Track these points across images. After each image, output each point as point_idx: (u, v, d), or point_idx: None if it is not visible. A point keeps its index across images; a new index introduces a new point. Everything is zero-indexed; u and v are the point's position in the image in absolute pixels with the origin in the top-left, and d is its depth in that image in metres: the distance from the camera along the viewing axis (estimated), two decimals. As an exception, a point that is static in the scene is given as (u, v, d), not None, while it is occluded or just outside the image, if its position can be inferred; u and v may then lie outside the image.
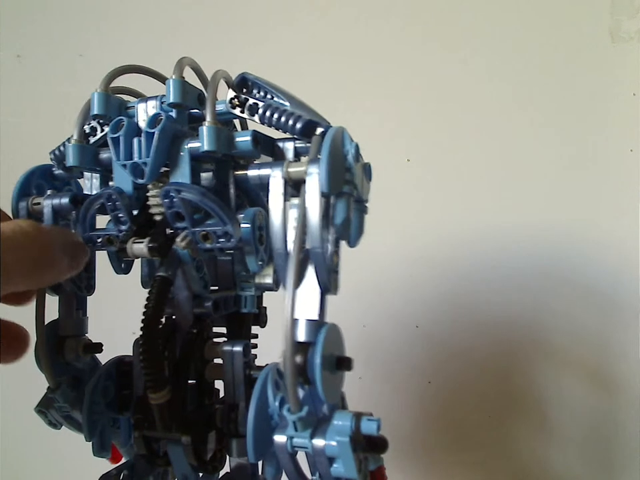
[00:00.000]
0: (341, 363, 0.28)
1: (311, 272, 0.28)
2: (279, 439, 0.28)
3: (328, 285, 0.28)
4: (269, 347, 0.38)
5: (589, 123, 0.69)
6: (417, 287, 0.72)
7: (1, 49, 0.83)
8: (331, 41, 0.76)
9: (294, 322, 0.27)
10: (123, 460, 0.39)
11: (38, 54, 0.84)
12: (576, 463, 0.67)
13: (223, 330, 0.37)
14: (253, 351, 0.35)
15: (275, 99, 0.30)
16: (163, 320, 0.33)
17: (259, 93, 0.30)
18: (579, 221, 0.68)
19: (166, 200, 0.29)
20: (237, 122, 0.35)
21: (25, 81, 0.84)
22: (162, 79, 0.33)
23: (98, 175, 0.35)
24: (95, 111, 0.30)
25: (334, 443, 0.26)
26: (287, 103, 0.29)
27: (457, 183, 0.72)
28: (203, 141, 0.29)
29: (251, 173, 0.30)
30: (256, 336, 0.38)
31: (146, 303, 0.29)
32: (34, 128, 0.80)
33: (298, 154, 0.30)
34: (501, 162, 0.71)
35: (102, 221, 0.33)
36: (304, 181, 0.27)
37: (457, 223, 0.71)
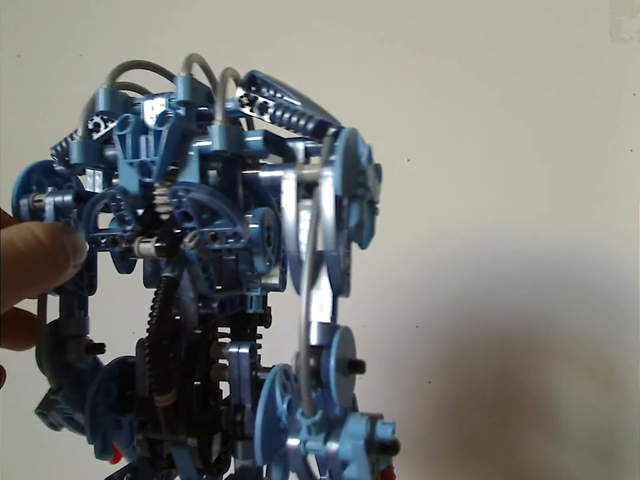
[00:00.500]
0: (354, 366, 0.28)
1: (323, 274, 0.28)
2: (292, 442, 0.27)
3: (341, 288, 0.28)
4: (274, 347, 0.38)
5: (589, 123, 0.69)
6: (417, 287, 0.72)
7: (1, 48, 0.83)
8: (330, 41, 0.76)
9: (308, 325, 0.27)
10: (123, 460, 0.38)
11: (38, 54, 0.83)
12: (577, 463, 0.68)
13: (228, 330, 0.36)
14: (257, 351, 0.34)
15: (285, 97, 0.29)
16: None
17: (268, 91, 0.30)
18: (579, 221, 0.68)
19: (174, 200, 0.29)
20: (242, 119, 0.35)
21: (25, 81, 0.83)
22: (168, 76, 0.33)
23: (101, 171, 0.34)
24: (101, 107, 0.29)
25: (348, 447, 0.26)
26: (297, 102, 0.29)
27: (457, 182, 0.72)
28: (214, 140, 0.28)
29: (263, 174, 0.29)
30: (260, 336, 0.38)
31: (152, 304, 0.29)
32: (34, 128, 0.79)
33: (308, 154, 0.30)
34: (501, 162, 0.71)
35: (103, 218, 0.33)
36: (317, 183, 0.27)
37: (457, 222, 0.71)
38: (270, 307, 0.39)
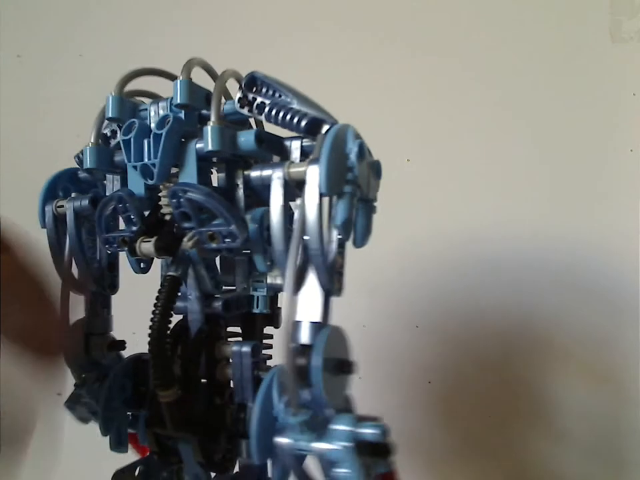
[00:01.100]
0: (342, 366, 0.28)
1: (312, 273, 0.28)
2: (282, 441, 0.27)
3: (329, 287, 0.28)
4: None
5: (589, 123, 0.69)
6: (417, 287, 0.72)
7: (1, 48, 0.83)
8: (330, 41, 0.76)
9: (294, 324, 0.27)
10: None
11: (38, 54, 0.84)
12: (577, 463, 0.68)
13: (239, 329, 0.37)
14: (268, 352, 0.35)
15: (283, 97, 0.30)
16: (174, 319, 0.33)
17: (267, 91, 0.30)
18: (579, 222, 0.68)
19: (173, 200, 0.30)
20: (252, 121, 0.35)
21: (25, 81, 0.83)
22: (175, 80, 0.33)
23: (119, 176, 0.35)
24: (110, 114, 0.31)
25: (337, 448, 0.26)
26: (294, 101, 0.29)
27: (457, 182, 0.72)
28: (207, 141, 0.29)
29: (254, 173, 0.30)
30: (270, 336, 0.38)
31: (155, 302, 0.29)
32: (34, 128, 0.79)
33: (305, 153, 0.30)
34: (501, 162, 0.71)
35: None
36: (304, 181, 0.27)
37: (457, 223, 0.71)
38: (280, 308, 0.39)
